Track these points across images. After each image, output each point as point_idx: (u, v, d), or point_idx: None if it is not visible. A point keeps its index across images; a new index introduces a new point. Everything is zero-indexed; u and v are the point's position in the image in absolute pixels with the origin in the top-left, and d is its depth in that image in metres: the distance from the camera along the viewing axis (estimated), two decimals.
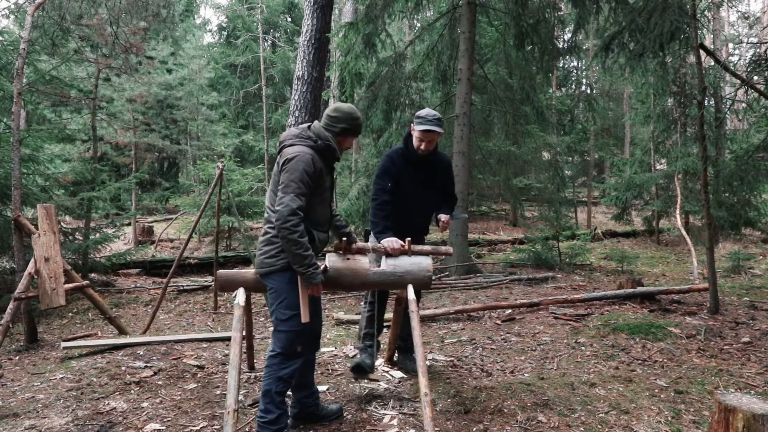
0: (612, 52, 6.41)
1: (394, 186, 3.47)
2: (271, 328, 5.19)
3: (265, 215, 2.76)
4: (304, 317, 2.62)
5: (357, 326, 4.74)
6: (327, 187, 2.78)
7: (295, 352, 2.71)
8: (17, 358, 4.49)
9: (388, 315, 4.27)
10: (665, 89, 9.92)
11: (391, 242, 3.13)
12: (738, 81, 6.00)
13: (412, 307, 2.92)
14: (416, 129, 3.40)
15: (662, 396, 3.30)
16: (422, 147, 3.42)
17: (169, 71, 16.10)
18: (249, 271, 3.09)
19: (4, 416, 3.11)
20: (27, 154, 6.43)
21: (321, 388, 3.38)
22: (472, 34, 7.99)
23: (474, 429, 2.84)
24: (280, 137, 2.82)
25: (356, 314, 5.41)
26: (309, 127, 2.78)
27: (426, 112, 3.43)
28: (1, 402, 3.37)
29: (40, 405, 3.28)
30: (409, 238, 3.15)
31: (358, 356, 3.54)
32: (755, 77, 5.50)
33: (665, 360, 4.02)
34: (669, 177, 11.95)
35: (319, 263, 2.68)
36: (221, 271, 3.09)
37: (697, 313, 5.34)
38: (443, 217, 3.49)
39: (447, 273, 7.66)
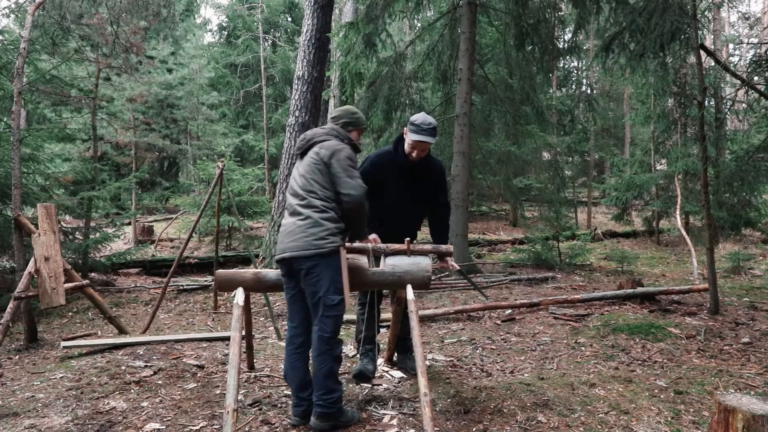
0: (612, 52, 6.40)
1: (374, 189, 3.45)
2: (271, 328, 5.21)
3: (297, 201, 2.88)
4: (347, 301, 2.84)
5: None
6: None
7: (339, 335, 2.88)
8: (17, 357, 4.49)
9: (385, 315, 4.27)
10: (665, 90, 9.90)
11: (370, 240, 3.21)
12: (738, 81, 6.00)
13: (411, 306, 2.92)
14: (410, 137, 3.32)
15: (662, 396, 3.30)
16: (413, 155, 3.37)
17: (170, 71, 16.09)
18: (248, 271, 3.09)
19: (4, 415, 3.11)
20: (27, 153, 6.43)
21: None
22: (472, 34, 7.99)
23: (474, 429, 2.84)
24: (305, 135, 3.02)
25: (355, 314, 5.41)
26: (332, 128, 3.02)
27: (422, 119, 3.30)
28: (1, 401, 3.37)
29: (39, 404, 3.28)
30: (408, 238, 3.15)
31: (360, 362, 3.52)
32: (755, 78, 5.49)
33: (665, 360, 4.02)
34: (669, 177, 11.94)
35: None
36: (220, 271, 3.09)
37: (697, 314, 5.34)
38: (451, 261, 3.41)
39: (447, 273, 7.65)
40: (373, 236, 3.24)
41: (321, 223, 2.78)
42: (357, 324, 3.77)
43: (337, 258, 2.80)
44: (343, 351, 3.03)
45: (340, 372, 3.76)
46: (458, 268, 3.50)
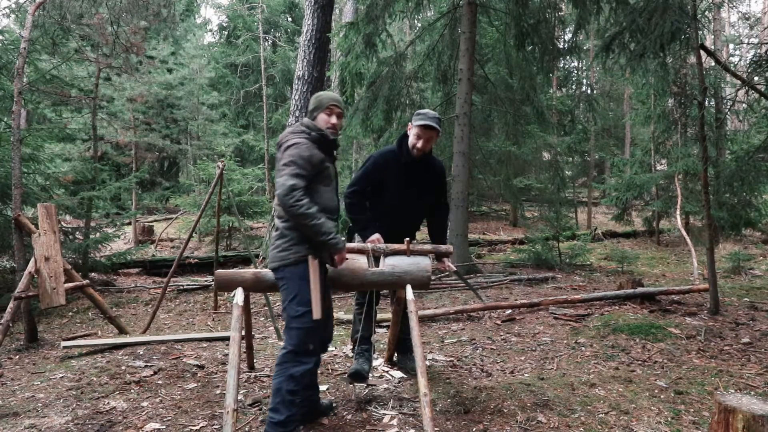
0: (612, 52, 6.40)
1: (375, 188, 3.46)
2: (271, 328, 5.21)
3: (275, 214, 2.84)
4: (316, 314, 2.61)
5: None
6: (332, 176, 2.85)
7: (308, 351, 2.66)
8: (17, 357, 4.49)
9: (385, 315, 4.27)
10: (666, 90, 9.91)
11: (373, 239, 3.20)
12: (738, 82, 6.00)
13: (411, 307, 2.91)
14: (415, 125, 3.36)
15: (662, 396, 3.30)
16: (419, 145, 3.38)
17: (170, 71, 16.10)
18: (248, 271, 3.09)
19: (4, 415, 3.11)
20: (27, 153, 6.43)
21: (321, 387, 3.38)
22: (472, 34, 7.99)
23: (474, 429, 2.84)
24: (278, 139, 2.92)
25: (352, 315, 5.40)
26: (298, 124, 2.88)
27: (426, 111, 3.43)
28: (1, 401, 3.37)
29: (40, 404, 3.28)
30: (408, 238, 3.15)
31: (356, 362, 3.52)
32: (756, 78, 5.49)
33: (665, 360, 4.02)
34: (669, 177, 11.95)
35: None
36: (220, 271, 3.08)
37: (697, 314, 5.34)
38: (447, 262, 3.41)
39: (447, 273, 7.65)
40: (376, 236, 3.24)
41: (285, 234, 2.71)
42: (353, 324, 3.77)
43: (303, 268, 2.66)
44: (305, 369, 2.67)
45: (338, 372, 3.78)
46: (455, 269, 3.50)
